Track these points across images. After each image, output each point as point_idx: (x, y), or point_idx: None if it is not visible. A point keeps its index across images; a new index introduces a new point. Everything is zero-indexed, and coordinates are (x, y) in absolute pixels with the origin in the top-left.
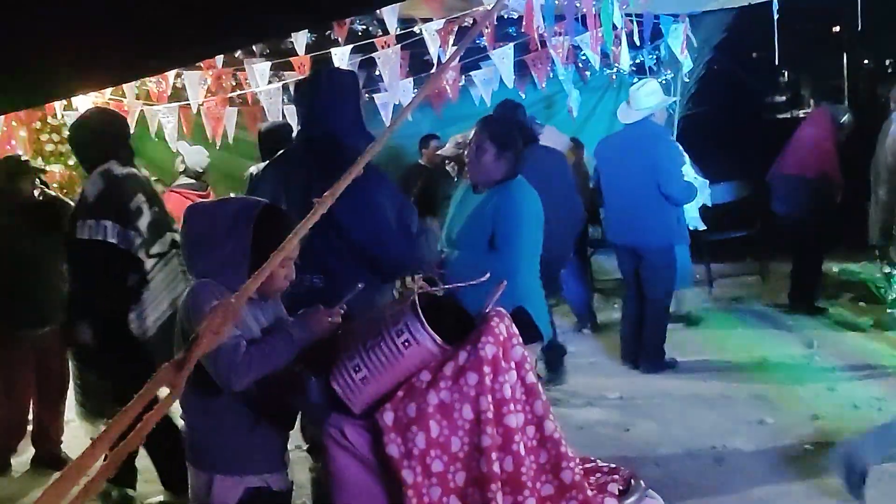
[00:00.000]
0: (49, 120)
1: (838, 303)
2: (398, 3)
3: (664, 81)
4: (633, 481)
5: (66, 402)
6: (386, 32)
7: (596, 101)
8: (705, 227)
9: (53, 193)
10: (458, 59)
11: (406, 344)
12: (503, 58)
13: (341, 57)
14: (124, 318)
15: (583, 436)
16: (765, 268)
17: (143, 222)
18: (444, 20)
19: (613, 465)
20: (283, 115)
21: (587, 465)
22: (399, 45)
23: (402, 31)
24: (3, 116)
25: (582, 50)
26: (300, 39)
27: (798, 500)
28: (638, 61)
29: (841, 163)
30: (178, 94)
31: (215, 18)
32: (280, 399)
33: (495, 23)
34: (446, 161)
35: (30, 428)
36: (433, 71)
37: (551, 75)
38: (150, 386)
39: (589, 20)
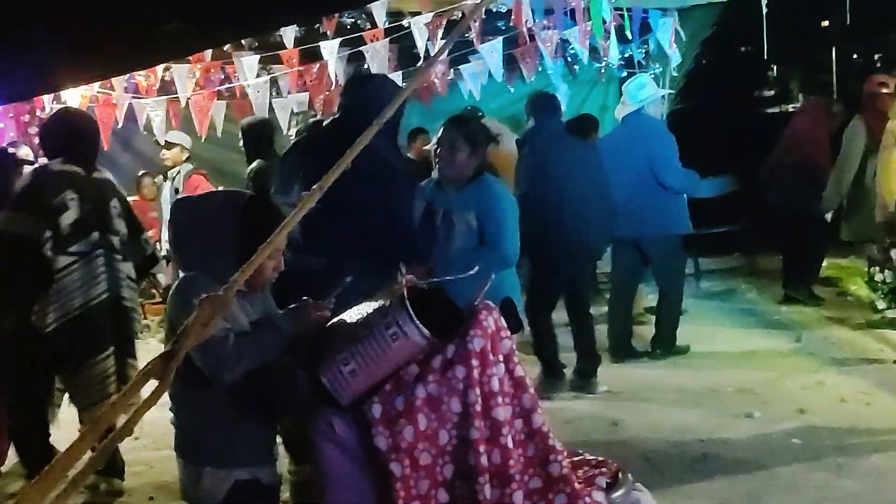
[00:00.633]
0: (38, 113)
1: (826, 297)
2: None
3: (653, 76)
4: (620, 475)
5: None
6: (374, 26)
7: (585, 94)
8: (693, 222)
9: None
10: (446, 52)
11: (394, 337)
12: (492, 51)
13: (330, 50)
14: (28, 309)
15: (570, 429)
16: (753, 262)
17: (66, 219)
18: (432, 14)
19: (601, 459)
20: (271, 109)
21: (575, 459)
22: (388, 39)
23: (391, 25)
24: None
25: (571, 44)
26: (289, 33)
27: (785, 493)
28: (627, 55)
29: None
30: (166, 88)
31: (205, 14)
32: (269, 392)
33: (484, 16)
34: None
35: None
36: (421, 64)
37: (540, 69)
38: (139, 378)
39: (577, 14)
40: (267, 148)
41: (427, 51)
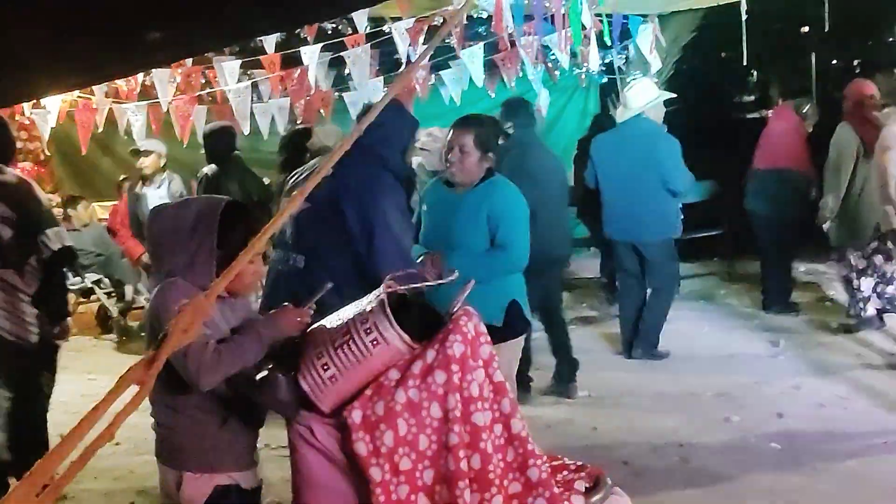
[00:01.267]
0: (17, 118)
1: (804, 302)
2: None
3: (634, 79)
4: (599, 479)
5: None
6: (356, 31)
7: (565, 100)
8: None
9: None
10: (427, 57)
11: (374, 342)
12: (473, 57)
13: (311, 56)
14: None
15: (550, 434)
16: (731, 267)
17: None
18: (413, 19)
19: (580, 463)
20: (252, 114)
21: (554, 463)
22: (369, 44)
23: (372, 30)
24: None
25: (551, 50)
26: (269, 38)
27: (763, 497)
28: (607, 61)
29: (812, 158)
30: (147, 92)
31: (185, 22)
32: (249, 397)
33: (465, 22)
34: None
35: None
36: (403, 70)
37: (521, 75)
38: (120, 383)
39: (557, 20)
40: (223, 154)
41: (408, 56)
